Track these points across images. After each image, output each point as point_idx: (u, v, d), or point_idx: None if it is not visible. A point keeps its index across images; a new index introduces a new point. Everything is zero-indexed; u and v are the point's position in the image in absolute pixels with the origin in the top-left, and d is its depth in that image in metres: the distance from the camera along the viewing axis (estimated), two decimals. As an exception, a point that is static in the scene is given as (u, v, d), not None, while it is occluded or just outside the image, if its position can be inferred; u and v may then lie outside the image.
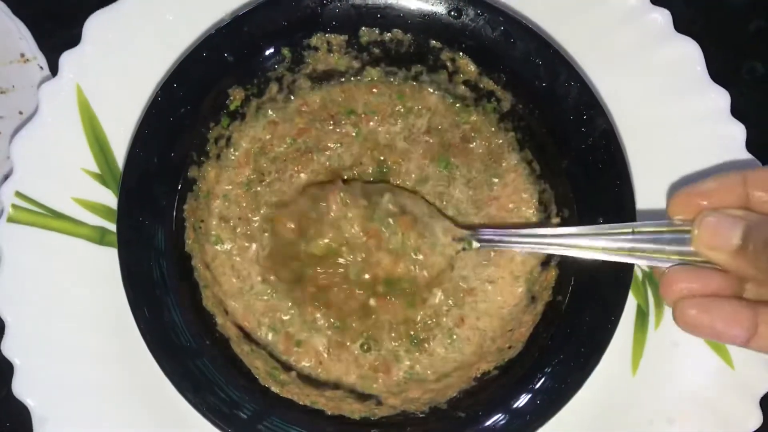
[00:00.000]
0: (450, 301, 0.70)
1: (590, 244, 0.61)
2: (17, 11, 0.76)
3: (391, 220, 0.66)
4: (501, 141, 0.72)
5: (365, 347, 0.69)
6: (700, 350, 0.68)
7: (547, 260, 0.69)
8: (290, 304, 0.70)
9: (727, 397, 0.67)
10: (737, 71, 0.82)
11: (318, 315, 0.69)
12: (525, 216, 0.71)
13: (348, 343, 0.69)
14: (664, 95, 0.70)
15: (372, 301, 0.69)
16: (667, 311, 0.69)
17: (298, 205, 0.69)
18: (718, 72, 0.71)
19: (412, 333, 0.69)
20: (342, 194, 0.66)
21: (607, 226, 0.61)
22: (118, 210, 0.64)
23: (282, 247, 0.69)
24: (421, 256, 0.67)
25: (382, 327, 0.69)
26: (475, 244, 0.67)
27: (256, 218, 0.71)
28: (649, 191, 0.69)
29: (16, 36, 0.75)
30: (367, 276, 0.67)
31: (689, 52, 0.70)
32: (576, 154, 0.66)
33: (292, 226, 0.68)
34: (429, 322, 0.70)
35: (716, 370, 0.68)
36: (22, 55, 0.75)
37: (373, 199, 0.67)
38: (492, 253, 0.70)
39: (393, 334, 0.69)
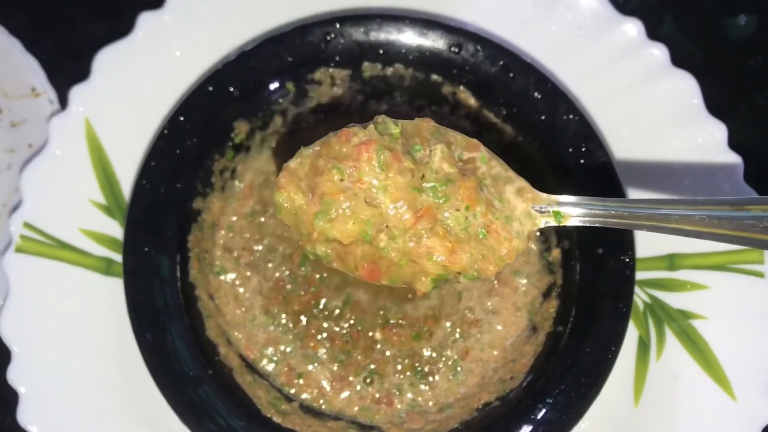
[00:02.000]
0: (456, 333, 0.70)
1: (702, 227, 0.46)
2: (29, 46, 0.78)
3: (447, 187, 0.47)
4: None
5: (368, 380, 0.70)
6: (702, 381, 0.68)
7: (548, 290, 0.69)
8: (291, 337, 0.70)
9: (730, 428, 0.67)
10: (737, 104, 0.83)
11: (322, 350, 0.70)
12: (525, 247, 0.71)
13: (351, 377, 0.70)
14: (662, 128, 0.71)
15: (378, 335, 0.69)
16: (669, 342, 0.69)
17: (309, 165, 0.47)
18: (718, 104, 0.71)
19: (417, 366, 0.70)
20: (379, 153, 0.45)
21: (721, 199, 0.47)
22: (125, 240, 0.65)
23: (291, 231, 0.47)
24: (492, 239, 0.47)
25: (387, 361, 0.70)
26: (571, 217, 0.49)
27: (259, 248, 0.72)
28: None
29: (28, 71, 0.77)
30: (411, 273, 0.48)
31: (686, 85, 0.71)
32: (575, 185, 0.66)
33: (301, 199, 0.46)
34: (434, 354, 0.70)
35: (718, 402, 0.67)
36: (33, 90, 0.77)
37: (417, 153, 0.47)
38: (496, 283, 0.71)
39: (399, 367, 0.70)
